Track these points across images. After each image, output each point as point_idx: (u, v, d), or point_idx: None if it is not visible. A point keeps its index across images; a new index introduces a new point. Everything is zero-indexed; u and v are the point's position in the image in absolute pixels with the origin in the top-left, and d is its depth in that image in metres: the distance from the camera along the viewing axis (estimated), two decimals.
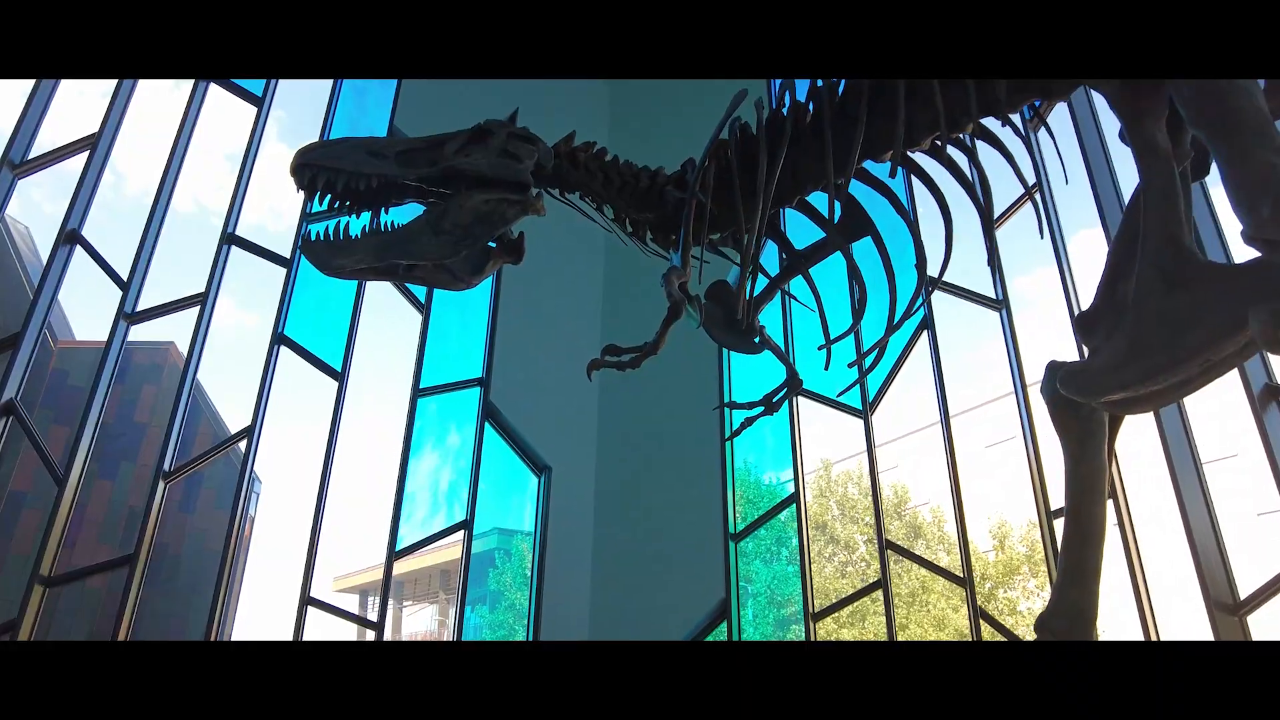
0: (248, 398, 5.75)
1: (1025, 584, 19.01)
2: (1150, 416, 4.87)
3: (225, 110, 6.64)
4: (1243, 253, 2.04)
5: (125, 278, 5.70)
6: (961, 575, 5.75)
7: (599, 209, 3.14)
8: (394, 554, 5.80)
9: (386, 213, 2.78)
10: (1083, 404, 2.43)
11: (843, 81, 2.91)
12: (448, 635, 20.32)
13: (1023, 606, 18.54)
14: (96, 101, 6.09)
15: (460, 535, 6.17)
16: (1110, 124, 5.92)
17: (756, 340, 3.24)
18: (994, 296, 6.13)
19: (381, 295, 6.61)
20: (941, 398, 6.03)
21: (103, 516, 13.19)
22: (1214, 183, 3.19)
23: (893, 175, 2.86)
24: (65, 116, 6.05)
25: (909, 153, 2.90)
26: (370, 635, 5.62)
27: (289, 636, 5.31)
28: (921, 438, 23.23)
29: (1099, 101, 5.91)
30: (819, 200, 3.12)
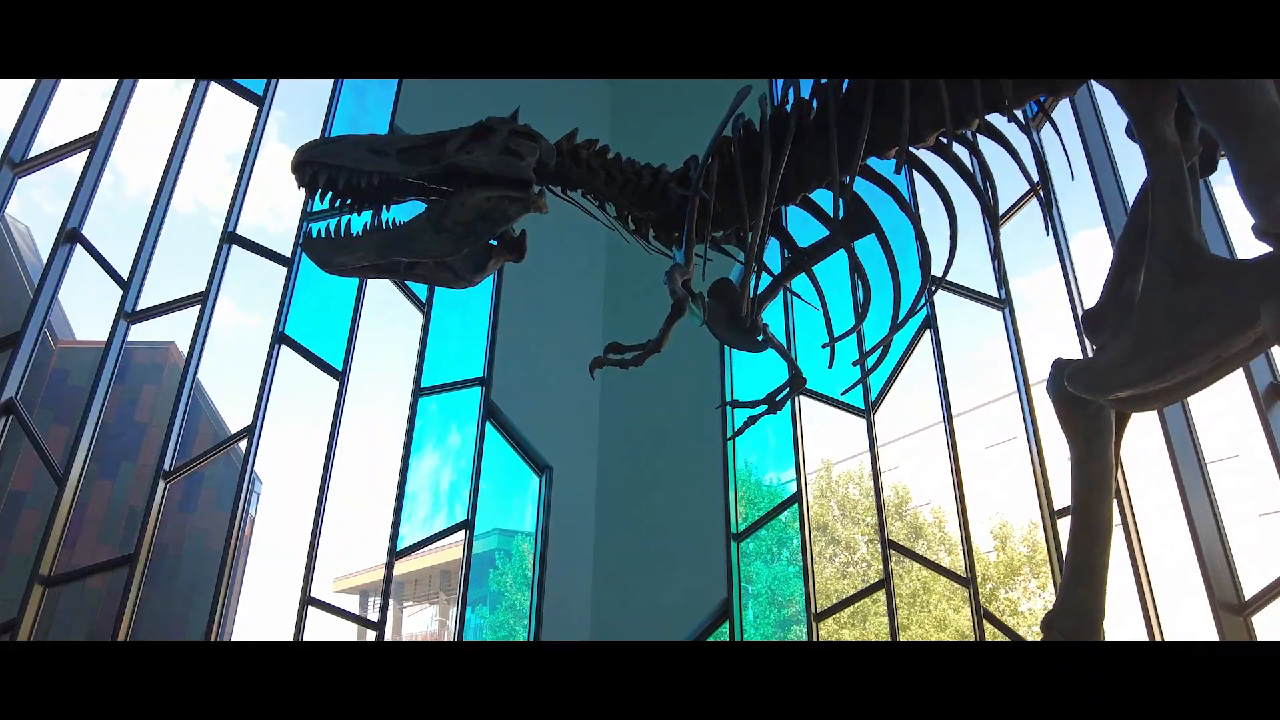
0: (248, 397, 5.74)
1: (1026, 584, 19.00)
2: (1154, 416, 4.85)
3: (225, 110, 6.63)
4: (1245, 250, 2.03)
5: (125, 277, 5.69)
6: (964, 575, 5.73)
7: (601, 207, 3.12)
8: (395, 554, 5.78)
9: (388, 210, 2.77)
10: (1089, 402, 2.41)
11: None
12: (448, 636, 20.31)
13: (1024, 607, 18.53)
14: (97, 101, 6.08)
15: (460, 535, 6.15)
16: (1113, 123, 5.91)
17: (760, 339, 3.22)
18: (996, 296, 6.11)
19: (382, 294, 6.61)
20: (944, 397, 6.01)
21: (103, 516, 13.18)
22: (1216, 180, 3.17)
23: (897, 171, 2.85)
24: (65, 116, 6.03)
25: (913, 149, 2.88)
26: (371, 636, 5.61)
27: (289, 637, 5.30)
28: (922, 438, 23.22)
29: (1101, 100, 5.90)
30: (822, 197, 3.11)
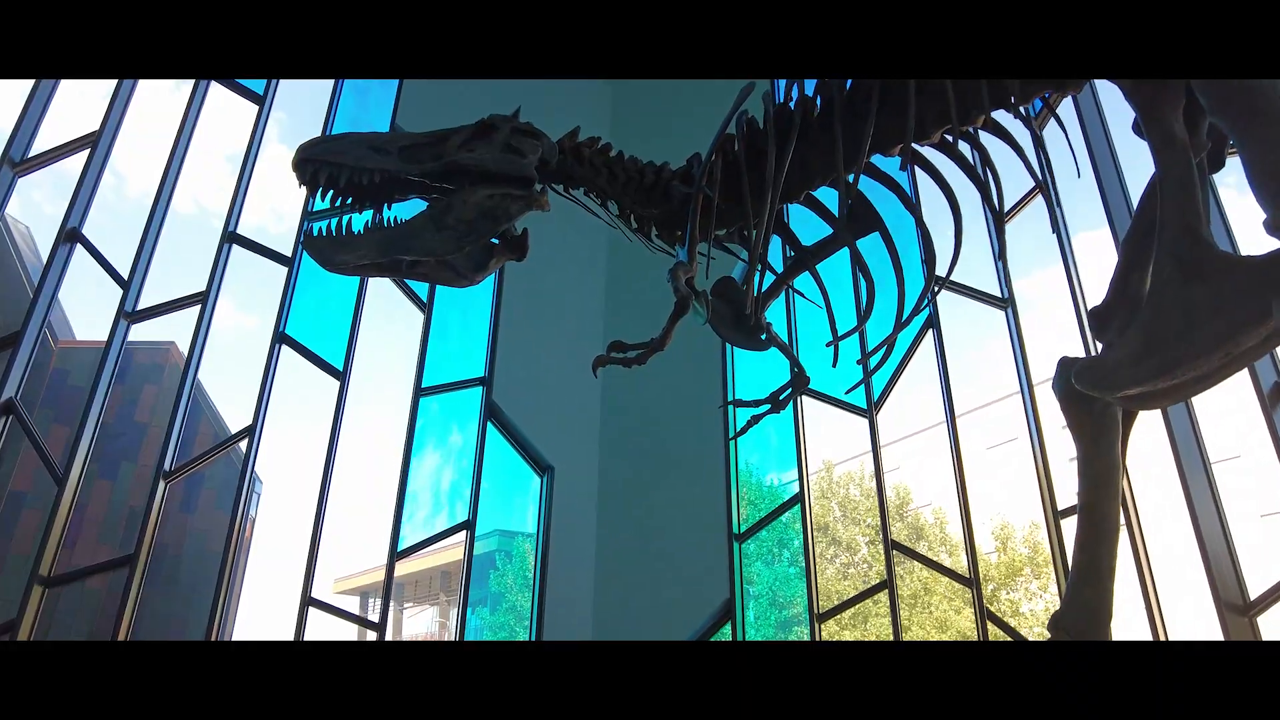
0: (248, 398, 5.72)
1: (1028, 585, 19.00)
2: (1158, 416, 4.84)
3: (225, 111, 6.62)
4: (1248, 248, 2.01)
5: (126, 277, 5.68)
6: (966, 576, 5.71)
7: (603, 205, 3.11)
8: (396, 554, 5.76)
9: (389, 208, 2.75)
10: (1096, 400, 2.40)
11: None
12: (449, 637, 20.29)
13: (1025, 608, 18.53)
14: (97, 102, 6.06)
15: (461, 536, 6.14)
16: (1115, 122, 5.89)
17: (763, 337, 3.21)
18: (999, 295, 6.09)
19: (383, 294, 6.59)
20: (947, 397, 5.99)
21: (103, 517, 13.16)
22: (1218, 179, 3.15)
23: (903, 169, 2.83)
24: (66, 116, 6.02)
25: (917, 146, 2.87)
26: (371, 636, 5.59)
27: (290, 637, 5.28)
28: (923, 439, 23.22)
29: (1104, 99, 5.89)
30: (825, 195, 3.10)
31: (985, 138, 2.86)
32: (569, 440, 6.95)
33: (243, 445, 5.66)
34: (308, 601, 5.35)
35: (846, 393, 5.87)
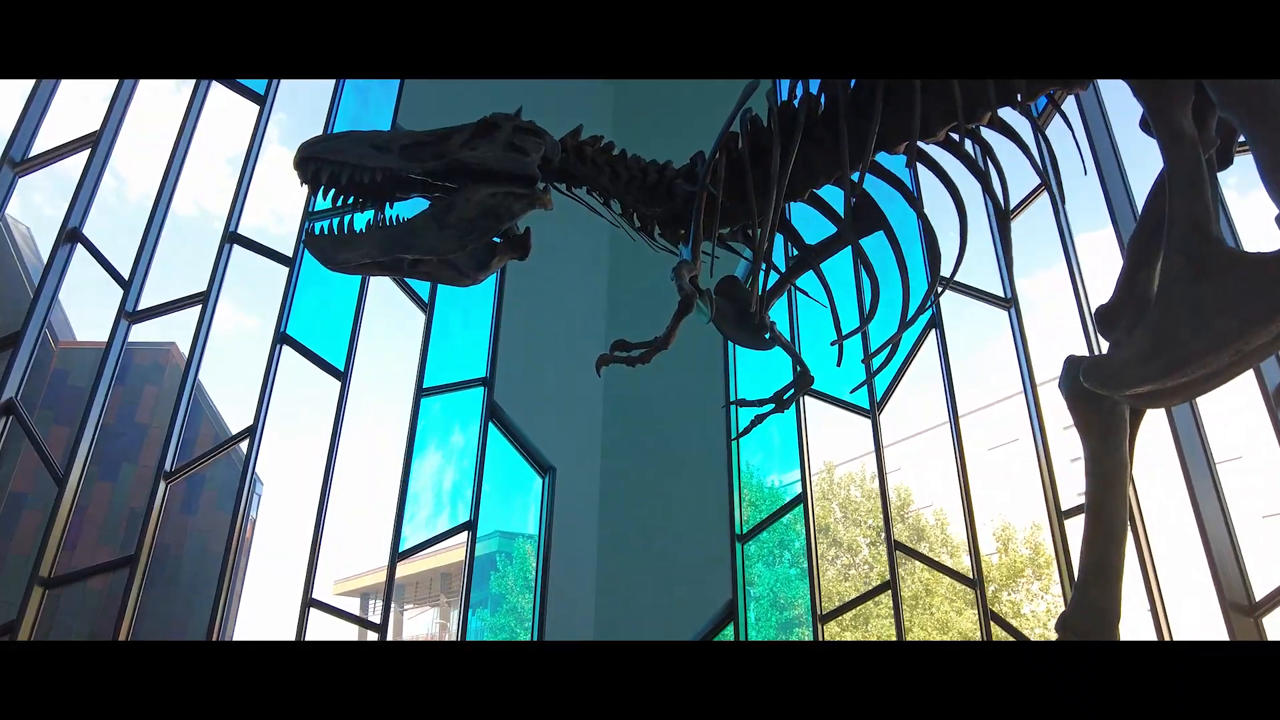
0: (249, 399, 5.71)
1: (1029, 586, 18.99)
2: (1162, 417, 4.82)
3: (226, 113, 6.62)
4: (1252, 247, 2.00)
5: (126, 277, 5.67)
6: (969, 577, 5.70)
7: (606, 204, 3.09)
8: (397, 555, 5.75)
9: (391, 207, 2.74)
10: (1104, 398, 2.38)
11: None
12: (450, 638, 20.26)
13: (1027, 609, 18.52)
14: (97, 104, 6.05)
15: (461, 537, 6.12)
16: (1118, 121, 5.87)
17: (767, 336, 3.19)
18: (1001, 295, 6.08)
19: (384, 294, 6.58)
20: (950, 398, 5.97)
21: (103, 518, 13.16)
22: (1221, 179, 3.14)
23: (909, 166, 2.81)
24: (66, 117, 6.02)
25: (922, 144, 2.85)
26: (372, 638, 5.57)
27: (291, 639, 5.26)
28: (923, 440, 23.24)
29: (1106, 98, 5.87)
30: (829, 194, 3.08)
31: (987, 134, 2.85)
32: (570, 441, 6.94)
33: (243, 446, 5.65)
34: (309, 603, 5.34)
35: (851, 392, 5.87)
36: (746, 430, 3.34)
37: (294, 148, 2.62)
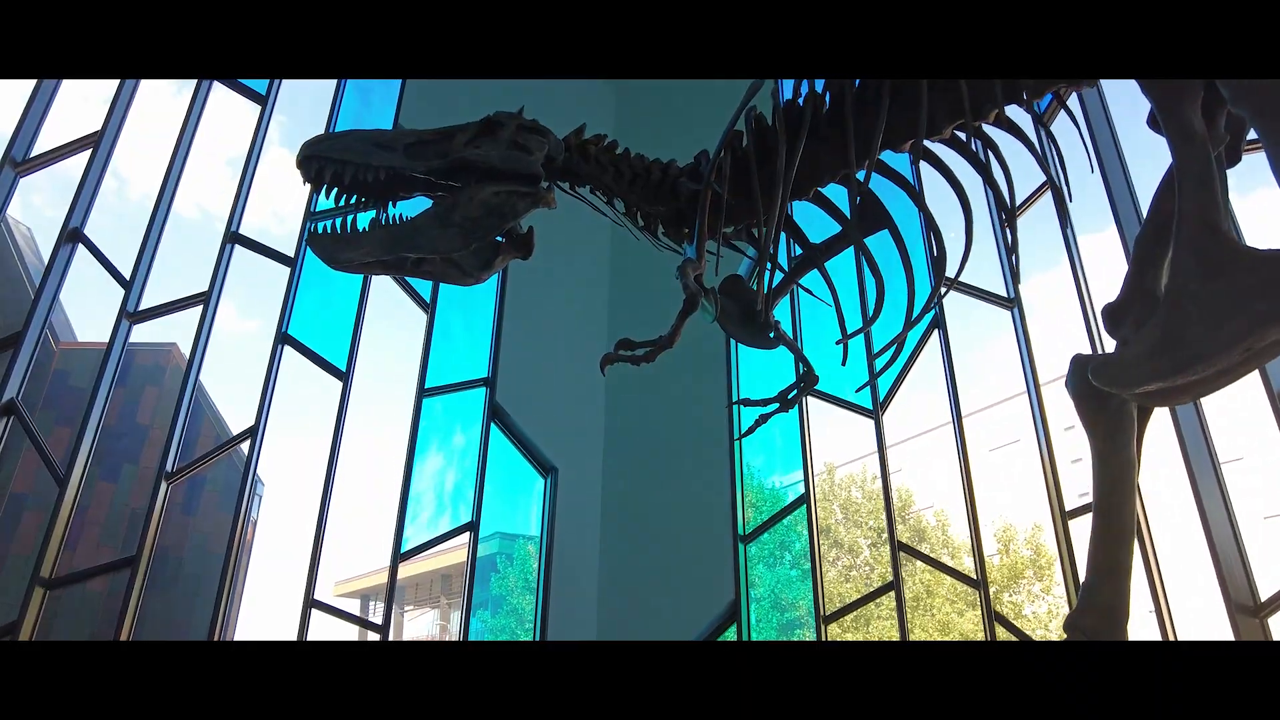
0: (250, 400, 5.70)
1: (1030, 588, 18.98)
2: (1167, 418, 4.81)
3: (227, 115, 6.62)
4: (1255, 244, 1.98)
5: (128, 277, 5.66)
6: (973, 577, 5.68)
7: (609, 203, 3.08)
8: (399, 556, 5.73)
9: (394, 206, 2.73)
10: (1111, 397, 2.37)
11: None
12: (450, 639, 20.23)
13: (1028, 610, 18.51)
14: (98, 106, 6.05)
15: (462, 538, 6.11)
16: (1121, 120, 5.86)
17: (771, 335, 3.18)
18: (1004, 295, 6.06)
19: (386, 294, 6.57)
20: (953, 398, 5.96)
21: (104, 518, 13.14)
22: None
23: (915, 164, 2.80)
24: (67, 118, 6.01)
25: (927, 143, 2.84)
26: (374, 639, 5.56)
27: (293, 640, 5.25)
28: (924, 441, 23.23)
29: (1110, 100, 5.86)
30: (834, 192, 3.07)
31: (997, 133, 2.83)
32: (573, 441, 6.92)
33: (244, 447, 5.64)
34: (310, 603, 5.32)
35: (857, 391, 5.86)
36: (751, 430, 3.33)
37: (295, 149, 2.61)
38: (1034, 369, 5.80)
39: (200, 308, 5.73)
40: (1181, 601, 5.00)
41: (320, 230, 2.59)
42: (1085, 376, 2.39)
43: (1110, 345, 2.65)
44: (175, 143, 6.11)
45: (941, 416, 6.00)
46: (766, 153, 2.88)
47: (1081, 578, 5.05)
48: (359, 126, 7.22)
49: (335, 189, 2.60)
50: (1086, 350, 5.12)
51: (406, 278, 6.29)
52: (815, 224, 3.22)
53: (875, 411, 6.10)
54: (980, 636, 5.43)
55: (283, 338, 5.84)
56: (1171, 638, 4.70)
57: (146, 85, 6.26)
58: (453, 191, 2.72)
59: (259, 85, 6.51)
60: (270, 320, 5.98)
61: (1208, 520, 4.64)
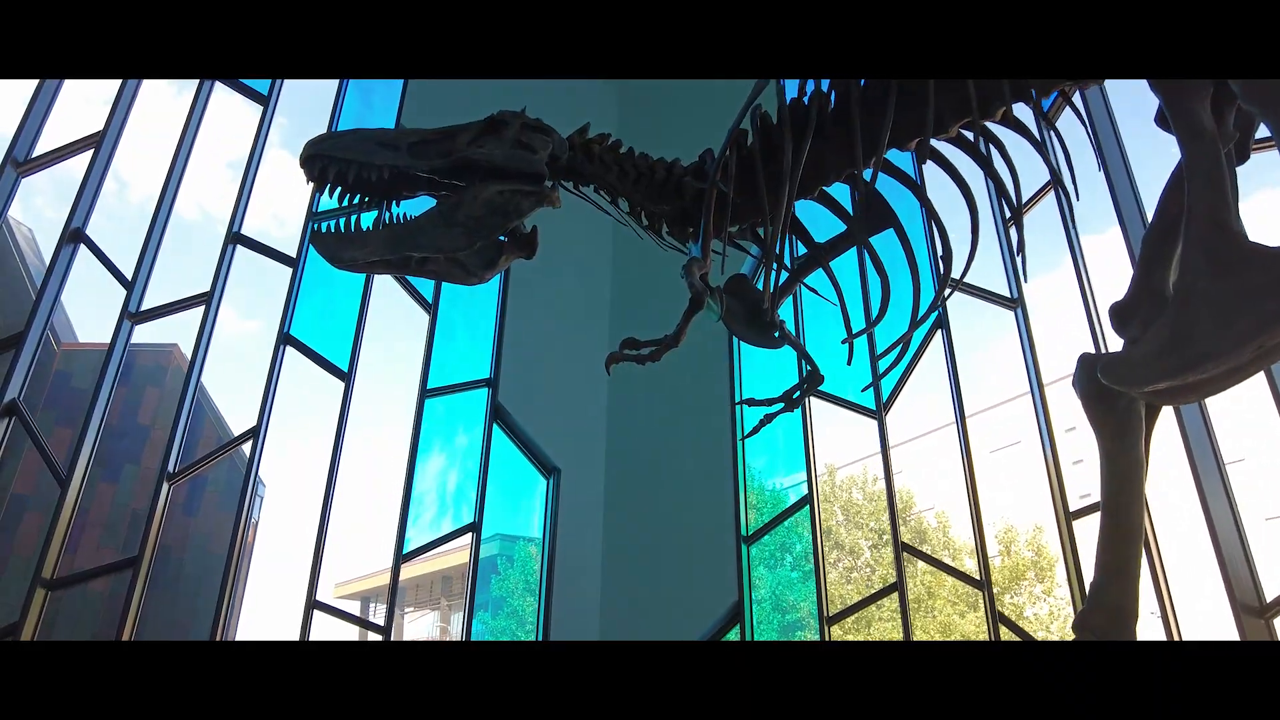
0: (250, 401, 5.70)
1: (1032, 589, 18.96)
2: (1171, 418, 4.79)
3: (227, 117, 6.63)
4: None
5: (129, 278, 5.66)
6: (976, 578, 5.67)
7: (614, 202, 3.07)
8: (401, 557, 5.72)
9: (398, 205, 2.72)
10: (1120, 396, 2.36)
11: None
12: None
13: (1029, 612, 18.48)
14: (99, 107, 6.05)
15: (462, 539, 6.10)
16: (1124, 119, 5.85)
17: (776, 335, 3.17)
18: (1008, 295, 6.05)
19: (388, 295, 6.57)
20: (957, 399, 5.95)
21: (105, 519, 13.13)
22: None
23: (922, 163, 2.79)
24: (69, 120, 6.01)
25: (934, 141, 2.83)
26: (375, 639, 5.55)
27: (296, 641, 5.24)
28: (924, 443, 23.20)
29: (1113, 100, 5.85)
30: (839, 191, 3.06)
31: (1003, 131, 2.82)
32: (575, 442, 6.91)
33: (245, 448, 5.63)
34: (312, 604, 5.31)
35: (863, 390, 5.84)
36: (755, 430, 3.31)
37: (295, 151, 2.60)
38: (1038, 369, 5.79)
39: (202, 308, 5.73)
40: (1187, 603, 4.99)
41: (324, 229, 2.59)
42: (1093, 375, 2.38)
43: (1115, 345, 2.64)
44: (177, 144, 6.11)
45: (941, 418, 5.99)
46: (772, 151, 2.87)
47: (1085, 579, 5.06)
48: (360, 126, 7.22)
49: (339, 188, 2.59)
50: (1089, 350, 5.12)
51: (409, 278, 6.29)
52: (819, 223, 3.21)
53: (878, 412, 6.09)
54: (982, 638, 5.42)
55: (285, 338, 5.84)
56: (1177, 639, 4.68)
57: (148, 87, 6.27)
58: (456, 190, 2.71)
59: (261, 86, 6.51)
60: (271, 321, 5.99)
61: (1213, 521, 4.63)
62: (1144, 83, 2.29)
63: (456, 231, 2.69)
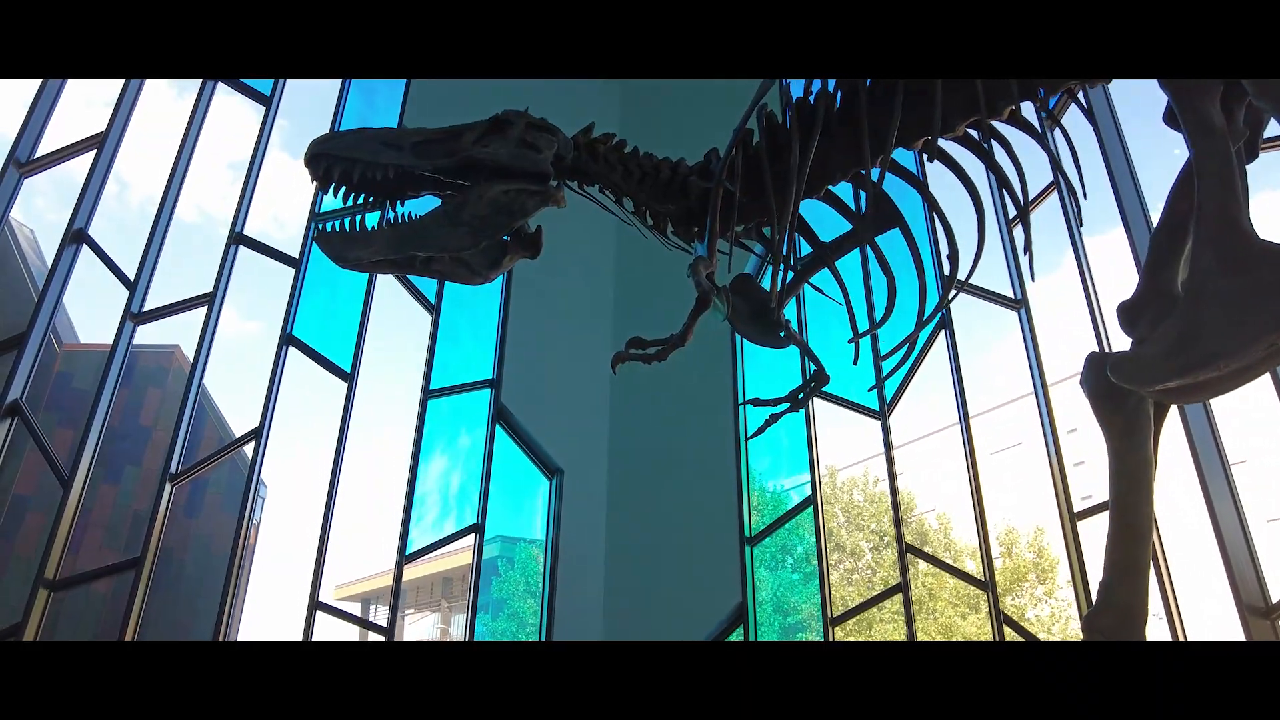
0: (252, 402, 5.70)
1: (1033, 591, 18.95)
2: (1176, 419, 4.78)
3: (228, 119, 6.64)
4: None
5: (132, 279, 5.65)
6: (981, 579, 5.66)
7: (618, 202, 3.07)
8: (404, 558, 5.71)
9: (403, 204, 2.72)
10: (1129, 395, 2.35)
11: None
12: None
13: (1031, 614, 18.46)
14: (101, 110, 6.05)
15: (463, 541, 6.09)
16: (1126, 118, 5.84)
17: (782, 334, 3.16)
18: (1011, 296, 6.04)
19: (391, 295, 6.56)
20: (960, 400, 5.94)
21: (107, 520, 13.12)
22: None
23: (931, 160, 2.78)
24: (71, 120, 6.01)
25: (938, 140, 2.82)
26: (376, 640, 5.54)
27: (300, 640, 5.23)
28: (925, 445, 23.20)
29: (1116, 100, 5.85)
30: (844, 191, 3.05)
31: (1008, 130, 2.81)
32: (578, 443, 6.90)
33: (247, 449, 5.63)
34: (315, 605, 5.30)
35: (870, 390, 5.83)
36: (761, 430, 3.30)
37: (296, 154, 2.60)
38: (1042, 371, 5.78)
39: (204, 309, 5.72)
40: (1192, 605, 4.98)
41: (329, 229, 2.58)
42: (1101, 374, 2.37)
43: (1118, 346, 2.64)
44: (179, 145, 6.11)
45: (941, 420, 6.01)
46: (778, 150, 2.86)
47: (1089, 579, 5.05)
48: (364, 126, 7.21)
49: (344, 187, 2.58)
50: (1090, 350, 5.11)
51: (411, 278, 6.29)
52: (825, 222, 3.20)
53: (882, 413, 6.08)
54: (983, 640, 5.40)
55: (287, 339, 5.83)
56: (1182, 639, 4.67)
57: (149, 88, 6.27)
58: (461, 190, 2.70)
59: (263, 86, 6.51)
60: (272, 322, 6.00)
61: (1218, 522, 4.63)
62: (1145, 81, 2.29)
63: (462, 231, 2.69)
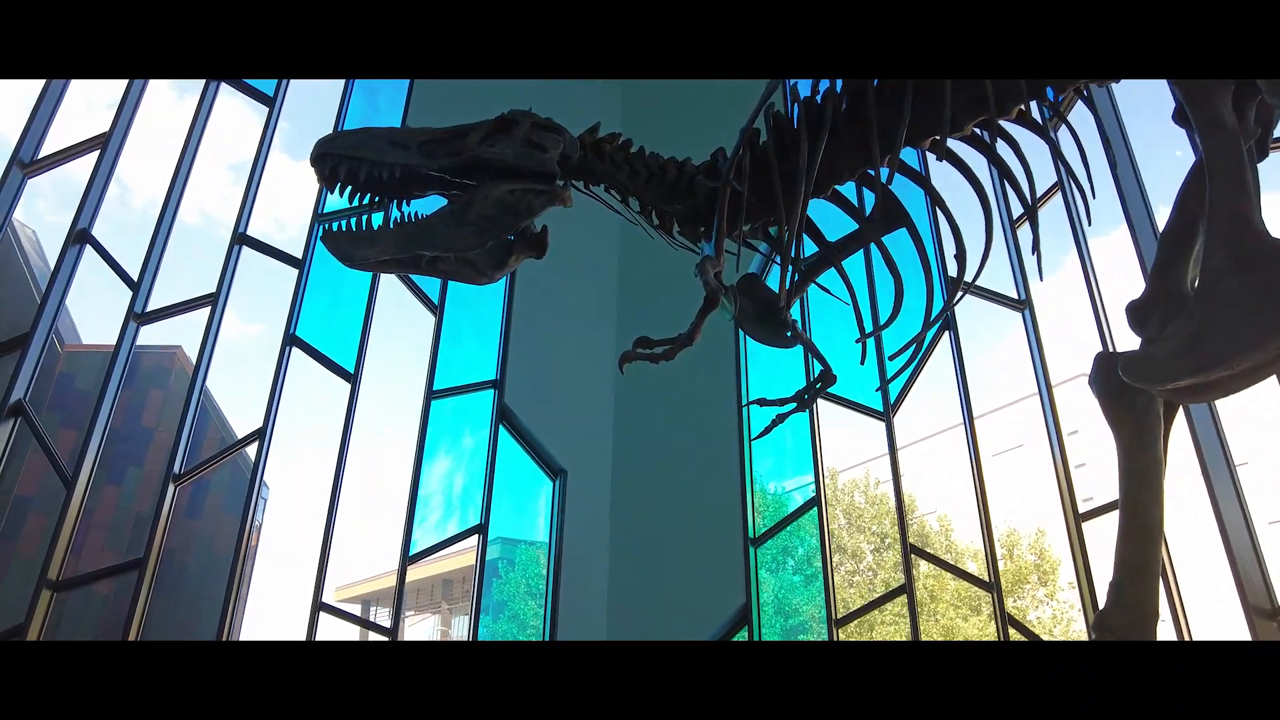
0: (254, 403, 5.71)
1: (1035, 592, 18.94)
2: (1180, 420, 4.77)
3: (229, 121, 6.65)
4: None
5: (135, 279, 5.65)
6: (986, 580, 5.65)
7: (624, 201, 3.06)
8: (407, 559, 5.70)
9: (408, 204, 2.71)
10: (1139, 394, 2.34)
11: None
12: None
13: (1032, 615, 18.45)
14: (104, 111, 6.06)
15: (463, 542, 6.08)
16: (1128, 117, 5.83)
17: (789, 334, 3.15)
18: (1015, 296, 6.04)
19: (394, 296, 6.56)
20: (965, 401, 5.93)
21: (109, 521, 13.11)
22: None
23: (939, 159, 2.78)
24: (74, 123, 6.02)
25: (945, 140, 2.81)
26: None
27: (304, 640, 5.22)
28: (926, 446, 23.18)
29: (1119, 99, 5.84)
30: (850, 190, 3.05)
31: (1014, 130, 2.81)
32: (582, 443, 6.89)
33: (250, 451, 5.62)
34: (319, 606, 5.29)
35: (876, 390, 5.82)
36: (767, 430, 3.29)
37: (297, 156, 2.61)
38: (1046, 372, 5.77)
39: (207, 309, 5.72)
40: (1199, 606, 4.97)
41: (335, 229, 2.57)
42: (1111, 374, 2.37)
43: (1122, 347, 2.63)
44: (182, 146, 6.12)
45: (943, 421, 6.01)
46: (785, 150, 2.86)
47: (1093, 580, 5.04)
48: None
49: (349, 187, 2.58)
50: (1094, 351, 5.10)
51: (415, 279, 6.28)
52: (831, 222, 3.20)
53: (886, 413, 6.07)
54: (989, 640, 5.40)
55: (290, 339, 5.82)
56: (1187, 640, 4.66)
57: (152, 90, 6.27)
58: (467, 190, 2.70)
59: (266, 86, 6.51)
60: (275, 323, 5.99)
61: (1224, 523, 4.62)
62: (1145, 81, 2.28)
63: (468, 230, 2.68)
